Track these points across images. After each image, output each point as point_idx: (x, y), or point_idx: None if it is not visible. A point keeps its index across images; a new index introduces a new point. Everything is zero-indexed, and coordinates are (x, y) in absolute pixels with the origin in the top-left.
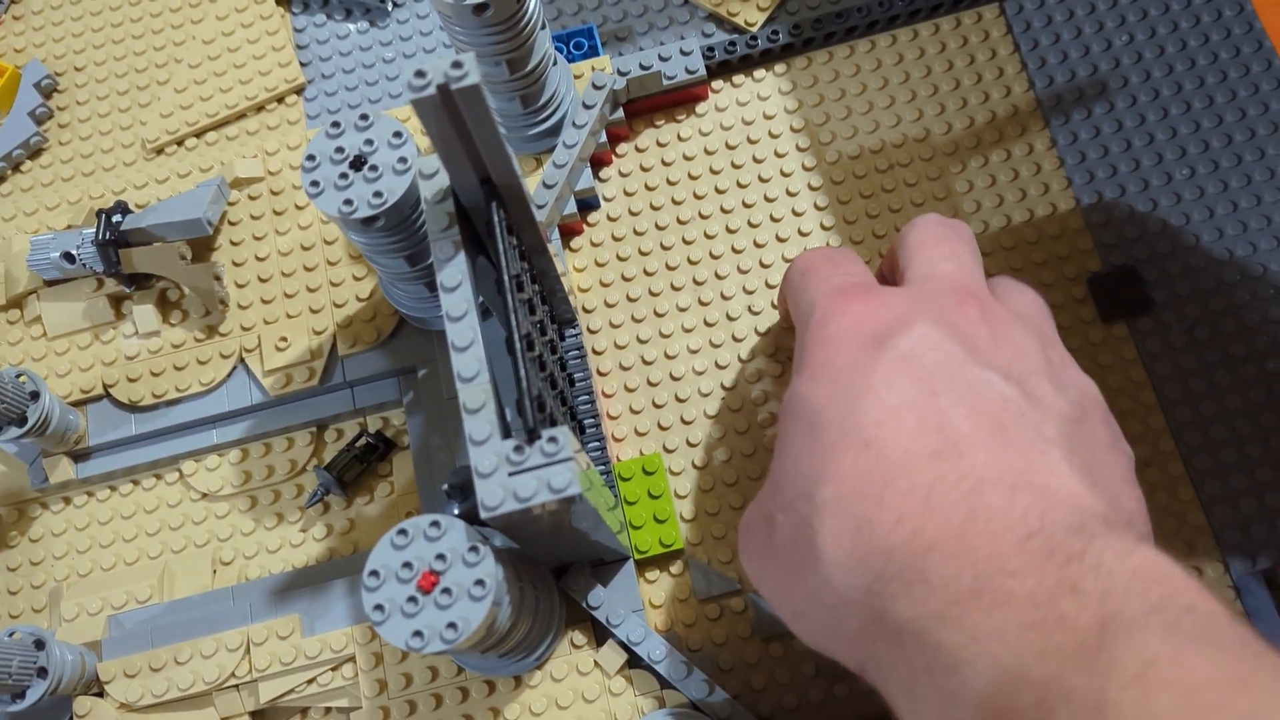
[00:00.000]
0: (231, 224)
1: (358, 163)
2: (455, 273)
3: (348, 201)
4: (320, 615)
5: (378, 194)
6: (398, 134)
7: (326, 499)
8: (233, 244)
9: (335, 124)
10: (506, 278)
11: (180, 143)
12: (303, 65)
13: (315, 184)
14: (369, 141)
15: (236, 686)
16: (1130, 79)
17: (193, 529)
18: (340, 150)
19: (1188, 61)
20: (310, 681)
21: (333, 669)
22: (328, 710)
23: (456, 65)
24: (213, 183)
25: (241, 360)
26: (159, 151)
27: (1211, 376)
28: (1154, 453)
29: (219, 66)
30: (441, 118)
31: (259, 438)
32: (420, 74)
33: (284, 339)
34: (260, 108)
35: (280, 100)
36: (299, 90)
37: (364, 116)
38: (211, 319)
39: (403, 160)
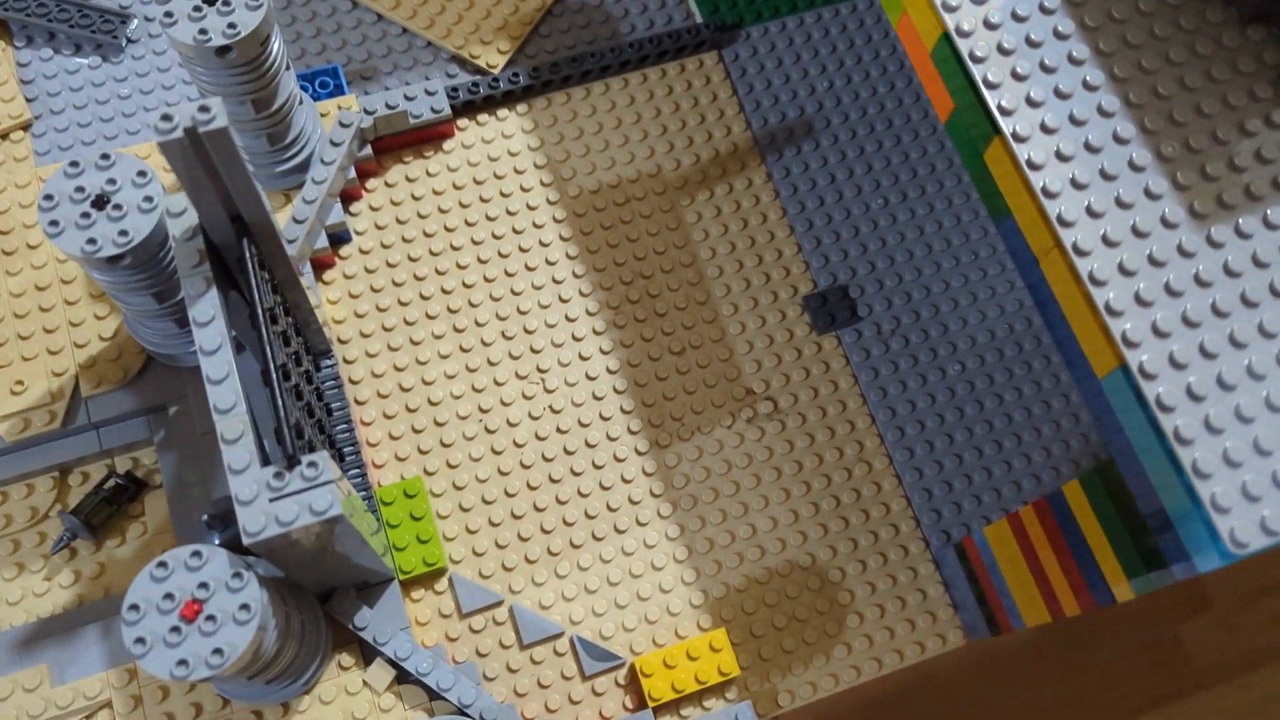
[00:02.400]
0: None
1: (100, 202)
2: (207, 308)
3: (91, 240)
4: (71, 663)
5: (123, 233)
6: (142, 173)
7: (73, 544)
8: None
9: (74, 163)
10: (260, 311)
11: None
12: (29, 100)
13: (54, 223)
14: (111, 180)
15: None
16: (832, 120)
17: None
18: (81, 190)
19: (878, 105)
20: None
21: (87, 717)
22: None
23: (204, 109)
24: None
25: None
26: None
27: (906, 382)
28: (863, 449)
29: None
30: (190, 159)
31: None
32: (167, 118)
33: (20, 382)
34: None
35: (4, 137)
36: (25, 126)
37: (105, 156)
38: None
39: (148, 199)
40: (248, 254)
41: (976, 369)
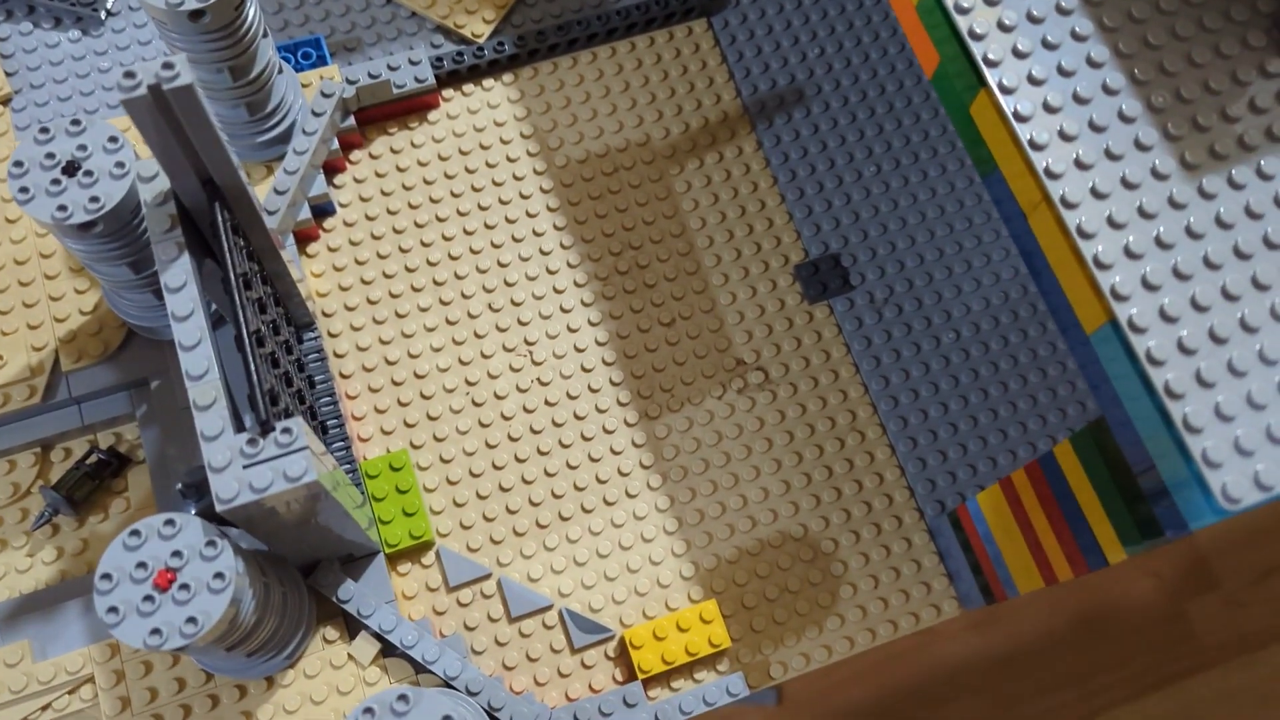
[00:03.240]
0: None
1: (71, 168)
2: (179, 273)
3: (61, 207)
4: (53, 638)
5: (94, 199)
6: (113, 139)
7: (55, 520)
8: None
9: (45, 129)
10: (233, 275)
11: None
12: (8, 75)
13: (24, 190)
14: (82, 147)
15: None
16: (823, 87)
17: None
18: (51, 156)
19: (870, 71)
20: (45, 708)
21: (69, 692)
22: None
23: (168, 66)
24: None
25: None
26: None
27: (899, 350)
28: (856, 419)
29: None
30: (156, 118)
31: None
32: (130, 75)
33: (0, 357)
34: None
35: None
36: (5, 101)
37: (75, 122)
38: None
39: (120, 165)
40: (219, 218)
41: (970, 336)
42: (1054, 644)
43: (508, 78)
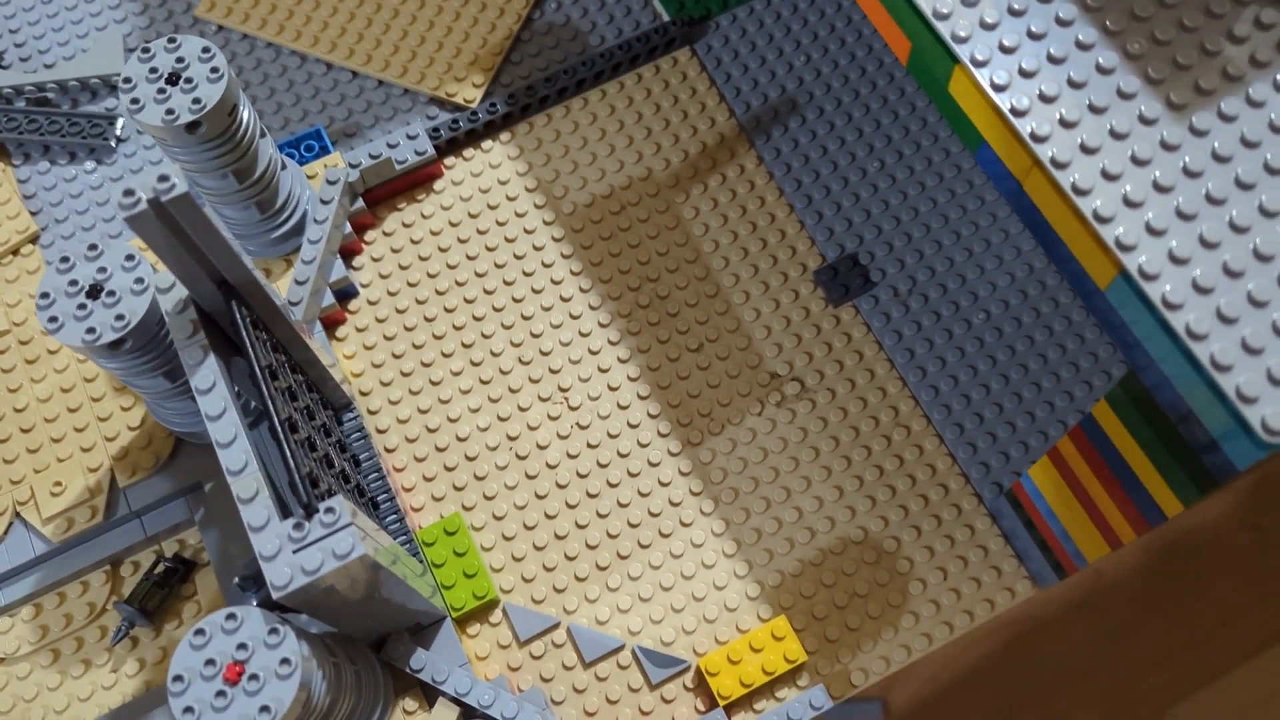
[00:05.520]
0: None
1: (94, 291)
2: (208, 375)
3: (90, 330)
4: None
5: (119, 317)
6: (130, 257)
7: (133, 633)
8: None
9: (65, 258)
10: (258, 369)
11: None
12: (34, 214)
13: (54, 319)
14: (102, 269)
15: None
16: (813, 93)
17: None
18: (74, 283)
19: (858, 69)
20: None
21: None
22: None
23: (163, 178)
24: None
25: (17, 515)
26: None
27: (931, 338)
28: (899, 414)
29: None
30: (161, 230)
31: (50, 588)
32: (129, 193)
33: (58, 483)
34: None
35: (15, 253)
36: (33, 239)
37: (92, 247)
38: None
39: (139, 281)
40: (238, 316)
41: (1001, 314)
42: (1158, 614)
43: (505, 136)
